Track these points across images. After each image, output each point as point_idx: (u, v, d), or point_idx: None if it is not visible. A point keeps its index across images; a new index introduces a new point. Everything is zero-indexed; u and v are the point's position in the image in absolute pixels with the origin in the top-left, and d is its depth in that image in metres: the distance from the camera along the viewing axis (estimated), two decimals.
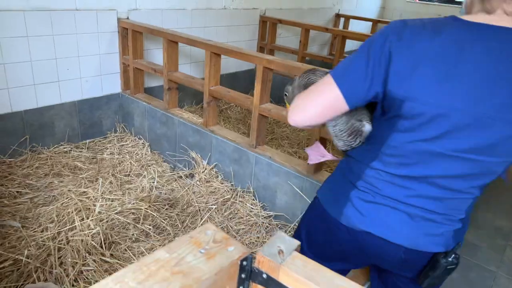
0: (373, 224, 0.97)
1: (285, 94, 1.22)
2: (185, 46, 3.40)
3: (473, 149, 0.83)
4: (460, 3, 5.32)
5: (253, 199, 2.44)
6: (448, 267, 0.95)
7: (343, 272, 1.20)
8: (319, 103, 0.91)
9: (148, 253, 2.02)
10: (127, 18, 2.96)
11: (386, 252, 0.99)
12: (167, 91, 2.70)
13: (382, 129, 0.94)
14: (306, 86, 1.08)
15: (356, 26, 5.52)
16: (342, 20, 5.45)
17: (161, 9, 3.19)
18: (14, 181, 2.48)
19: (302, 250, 1.16)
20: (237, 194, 2.47)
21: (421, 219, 0.94)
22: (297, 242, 0.60)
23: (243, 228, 2.27)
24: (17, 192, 2.40)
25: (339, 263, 1.13)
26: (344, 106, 0.90)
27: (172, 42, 2.57)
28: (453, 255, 0.95)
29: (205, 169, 2.63)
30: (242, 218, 2.34)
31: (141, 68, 2.89)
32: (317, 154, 1.40)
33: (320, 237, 1.12)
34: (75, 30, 2.70)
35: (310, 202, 1.28)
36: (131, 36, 2.82)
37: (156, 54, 3.26)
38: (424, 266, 0.99)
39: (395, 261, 1.01)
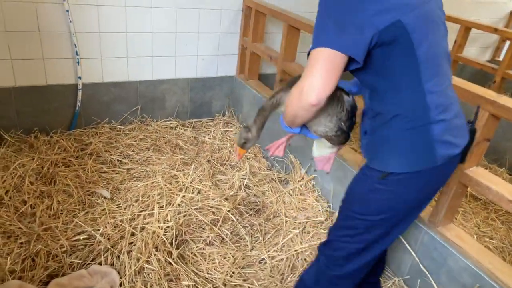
0: (458, 142, 1.12)
1: (244, 142, 1.30)
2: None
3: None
4: None
5: None
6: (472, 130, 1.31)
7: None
8: (331, 71, 0.93)
9: (219, 262, 1.81)
10: None
11: (456, 161, 1.17)
12: (278, 82, 2.42)
13: (406, 66, 0.99)
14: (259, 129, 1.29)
15: None
16: None
17: None
18: (118, 149, 2.53)
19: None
20: (332, 219, 2.08)
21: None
22: None
23: None
24: (118, 160, 2.44)
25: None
26: (345, 63, 0.95)
27: (293, 28, 2.25)
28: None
29: (302, 178, 2.29)
30: None
31: (258, 53, 2.65)
32: (323, 159, 1.44)
33: (408, 202, 1.15)
34: (199, 4, 2.58)
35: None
36: (254, 16, 2.58)
37: (277, 39, 2.98)
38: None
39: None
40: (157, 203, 2.00)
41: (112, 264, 1.70)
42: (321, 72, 0.92)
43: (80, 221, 1.86)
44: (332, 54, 0.91)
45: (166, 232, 1.82)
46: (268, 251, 1.93)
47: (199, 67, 2.82)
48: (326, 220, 2.09)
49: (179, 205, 2.00)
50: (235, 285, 1.72)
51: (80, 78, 2.44)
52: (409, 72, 0.99)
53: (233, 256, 1.86)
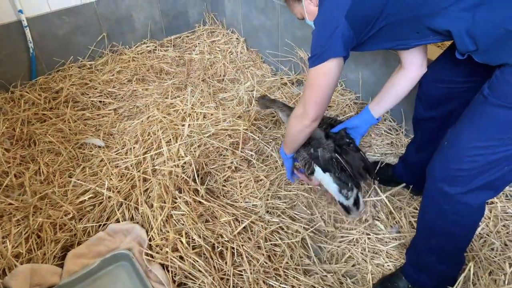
0: None
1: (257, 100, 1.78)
2: None
3: None
4: None
5: (391, 121, 1.77)
6: None
7: None
8: (333, 84, 1.05)
9: (253, 186, 1.56)
10: None
11: None
12: None
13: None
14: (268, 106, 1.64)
15: None
16: None
17: None
18: (96, 89, 2.13)
19: None
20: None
21: None
22: None
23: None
24: (100, 102, 2.06)
25: None
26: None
27: None
28: None
29: None
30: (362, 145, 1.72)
31: None
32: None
33: None
34: None
35: None
36: None
37: None
38: None
39: None
40: (162, 139, 1.68)
41: (131, 219, 1.44)
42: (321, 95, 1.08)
43: (78, 180, 1.55)
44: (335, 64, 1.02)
45: (185, 169, 1.53)
46: None
47: None
48: (356, 113, 1.81)
49: (188, 136, 1.68)
50: (281, 210, 1.49)
51: (21, 11, 1.93)
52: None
53: (266, 177, 1.61)
